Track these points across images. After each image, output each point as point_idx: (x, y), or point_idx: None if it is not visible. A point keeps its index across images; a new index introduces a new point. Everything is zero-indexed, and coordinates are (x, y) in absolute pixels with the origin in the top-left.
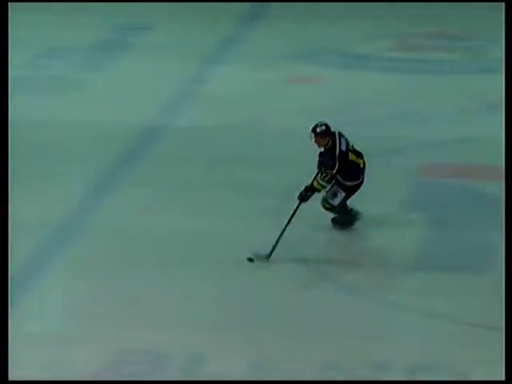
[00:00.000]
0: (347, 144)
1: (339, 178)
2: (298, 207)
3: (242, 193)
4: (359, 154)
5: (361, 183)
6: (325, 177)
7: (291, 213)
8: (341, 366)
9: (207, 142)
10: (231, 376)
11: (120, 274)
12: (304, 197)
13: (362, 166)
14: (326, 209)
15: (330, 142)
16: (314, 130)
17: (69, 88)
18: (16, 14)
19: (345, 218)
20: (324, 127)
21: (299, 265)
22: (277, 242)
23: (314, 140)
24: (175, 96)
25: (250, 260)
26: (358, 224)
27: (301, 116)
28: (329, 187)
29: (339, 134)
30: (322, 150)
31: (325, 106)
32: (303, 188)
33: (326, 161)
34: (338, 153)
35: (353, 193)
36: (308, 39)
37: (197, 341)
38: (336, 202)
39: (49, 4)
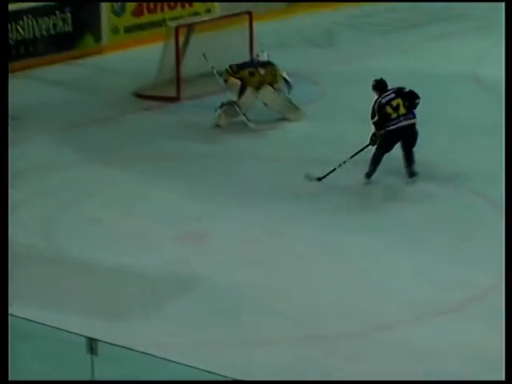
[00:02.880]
0: (390, 99)
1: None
2: (364, 148)
3: None
4: (396, 108)
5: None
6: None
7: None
8: None
9: None
10: None
11: None
12: (372, 142)
13: (393, 116)
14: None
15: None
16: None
17: None
18: None
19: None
20: (374, 82)
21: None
22: (334, 169)
23: None
24: None
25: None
26: None
27: None
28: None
29: (393, 90)
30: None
31: None
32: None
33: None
34: (375, 105)
35: (392, 140)
36: None
37: None
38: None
39: None
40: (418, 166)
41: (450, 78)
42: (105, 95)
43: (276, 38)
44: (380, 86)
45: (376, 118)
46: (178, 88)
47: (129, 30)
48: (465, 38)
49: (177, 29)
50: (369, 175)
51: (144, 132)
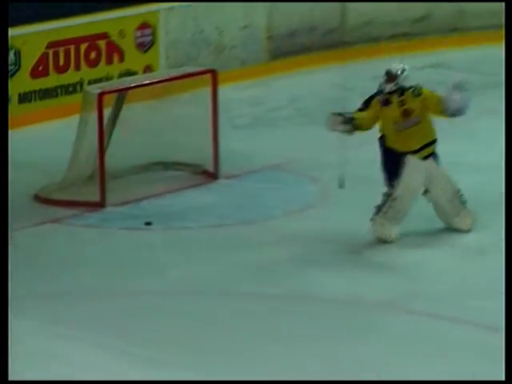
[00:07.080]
0: None
1: None
2: None
3: None
4: None
5: None
6: None
7: None
8: None
9: None
10: None
11: None
12: None
13: None
14: None
15: None
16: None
17: None
18: None
19: None
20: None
21: None
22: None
23: None
24: None
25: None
26: None
27: None
28: None
29: None
30: None
31: None
32: None
33: None
34: None
35: None
36: None
37: None
38: None
39: None
40: None
41: None
42: None
43: (255, 109)
44: None
45: None
46: (103, 188)
47: (26, 98)
48: None
49: (100, 96)
50: None
51: (46, 258)
